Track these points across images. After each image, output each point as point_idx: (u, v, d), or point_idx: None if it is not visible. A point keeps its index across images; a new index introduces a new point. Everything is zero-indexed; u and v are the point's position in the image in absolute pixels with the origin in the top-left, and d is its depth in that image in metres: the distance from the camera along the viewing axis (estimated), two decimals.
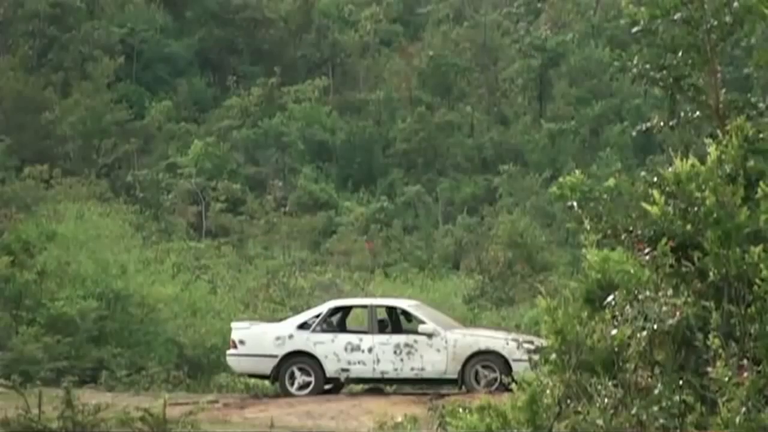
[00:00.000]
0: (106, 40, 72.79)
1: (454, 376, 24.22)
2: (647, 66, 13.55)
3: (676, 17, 13.32)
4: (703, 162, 10.95)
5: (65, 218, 48.39)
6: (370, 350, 24.69)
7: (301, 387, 24.83)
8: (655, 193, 10.84)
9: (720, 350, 9.96)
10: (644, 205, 10.88)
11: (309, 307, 28.65)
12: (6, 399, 19.62)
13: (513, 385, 11.07)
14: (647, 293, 10.55)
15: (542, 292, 11.09)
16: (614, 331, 10.54)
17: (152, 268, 41.21)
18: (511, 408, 10.75)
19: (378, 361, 24.70)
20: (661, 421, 10.05)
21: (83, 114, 66.20)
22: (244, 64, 78.70)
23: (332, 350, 24.76)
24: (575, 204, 11.75)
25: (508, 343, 23.27)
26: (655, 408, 10.09)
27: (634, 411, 10.14)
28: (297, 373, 24.91)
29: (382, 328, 25.22)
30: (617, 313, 10.72)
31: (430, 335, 24.37)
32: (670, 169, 10.98)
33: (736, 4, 13.25)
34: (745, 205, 10.63)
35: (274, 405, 23.75)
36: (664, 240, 10.61)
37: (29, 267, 38.61)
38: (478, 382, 23.84)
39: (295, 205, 65.16)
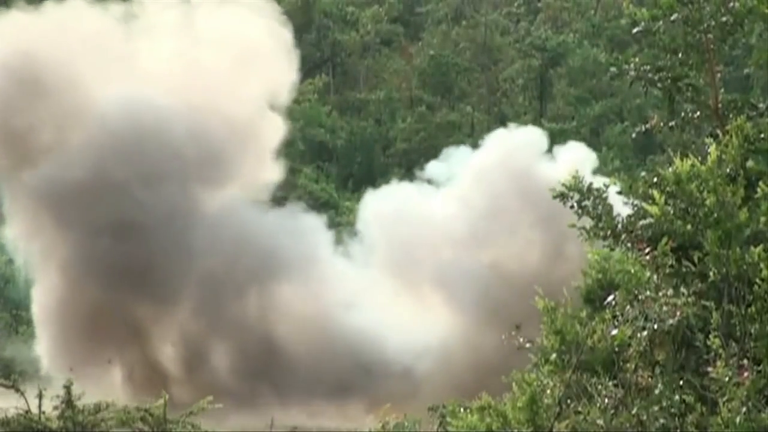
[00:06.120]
0: None
1: None
2: (646, 68, 13.51)
3: (674, 17, 13.28)
4: (703, 162, 10.93)
5: None
6: None
7: None
8: (655, 193, 10.82)
9: (720, 350, 9.94)
10: (644, 205, 10.87)
11: None
12: (6, 399, 19.62)
13: (513, 385, 11.06)
14: (647, 293, 10.53)
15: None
16: (614, 331, 10.53)
17: None
18: (511, 408, 10.73)
19: None
20: (662, 421, 10.04)
21: None
22: None
23: None
24: (575, 204, 11.72)
25: None
26: (656, 408, 10.08)
27: (634, 411, 10.12)
28: None
29: None
30: (617, 313, 10.70)
31: None
32: (670, 169, 10.96)
33: (735, 4, 13.21)
34: (745, 206, 10.62)
35: (272, 404, 23.74)
36: (664, 240, 10.59)
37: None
38: None
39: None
